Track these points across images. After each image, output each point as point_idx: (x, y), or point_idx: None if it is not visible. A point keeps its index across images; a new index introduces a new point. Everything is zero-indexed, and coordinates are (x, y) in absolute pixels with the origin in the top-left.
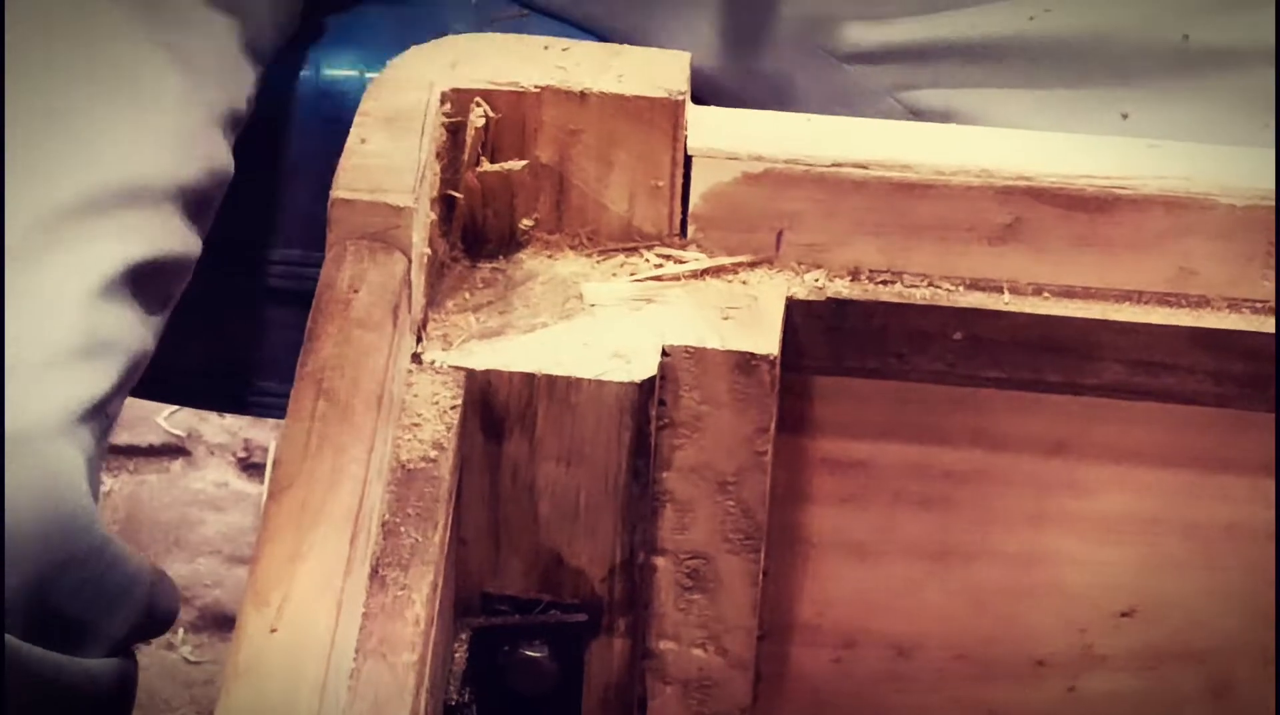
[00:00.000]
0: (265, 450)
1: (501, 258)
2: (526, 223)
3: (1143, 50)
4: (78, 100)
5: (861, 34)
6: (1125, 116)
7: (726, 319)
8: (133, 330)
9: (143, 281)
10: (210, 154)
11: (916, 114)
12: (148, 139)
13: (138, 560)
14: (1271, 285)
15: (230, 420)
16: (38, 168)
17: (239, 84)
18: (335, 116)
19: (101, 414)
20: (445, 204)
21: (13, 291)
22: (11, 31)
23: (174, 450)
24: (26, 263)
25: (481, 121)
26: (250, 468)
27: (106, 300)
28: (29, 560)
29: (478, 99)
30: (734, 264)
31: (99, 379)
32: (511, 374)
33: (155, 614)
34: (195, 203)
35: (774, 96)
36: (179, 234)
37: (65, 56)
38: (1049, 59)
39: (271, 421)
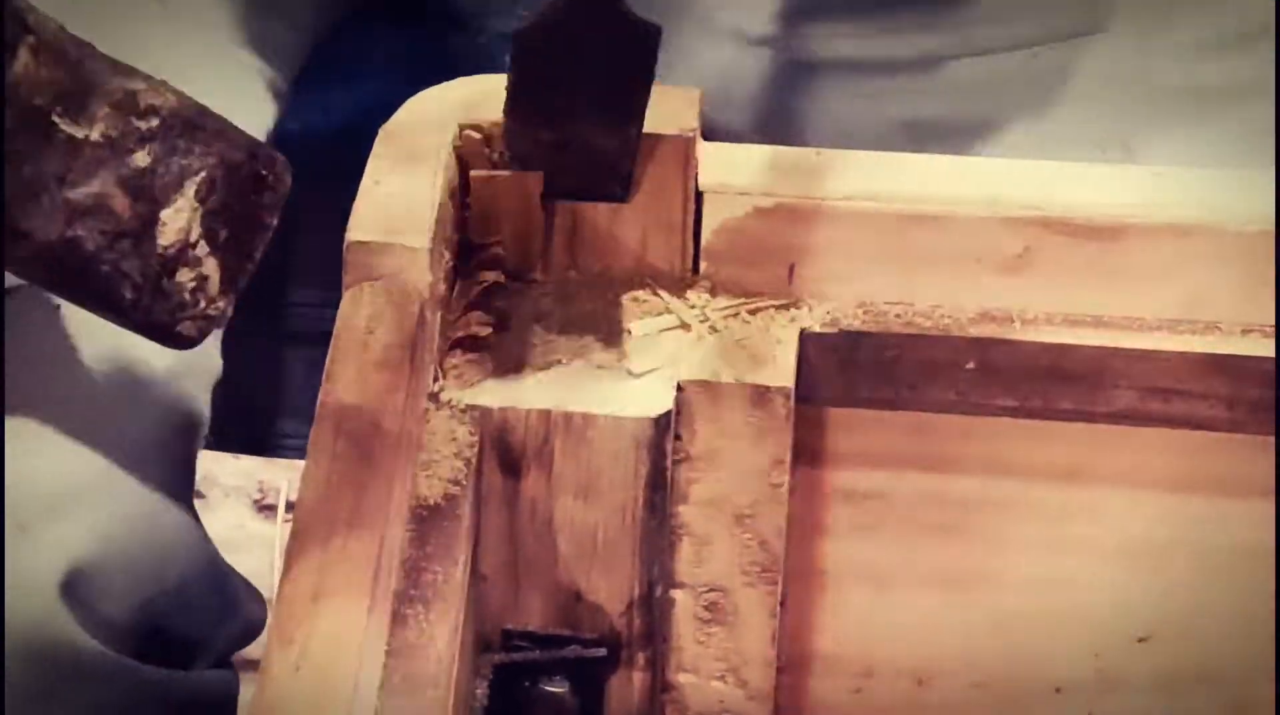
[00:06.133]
0: (280, 491)
1: (516, 296)
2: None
3: (1144, 84)
4: None
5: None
6: (1129, 150)
7: (740, 352)
8: (204, 352)
9: None
10: None
11: (919, 145)
12: None
13: (235, 574)
14: None
15: (245, 462)
16: None
17: (262, 122)
18: (348, 158)
19: (198, 434)
20: (460, 244)
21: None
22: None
23: None
24: None
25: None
26: (265, 509)
27: None
28: (145, 581)
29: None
30: (749, 308)
31: (190, 400)
32: (528, 411)
33: (252, 624)
34: None
35: (781, 126)
36: None
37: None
38: (1051, 91)
39: (284, 462)
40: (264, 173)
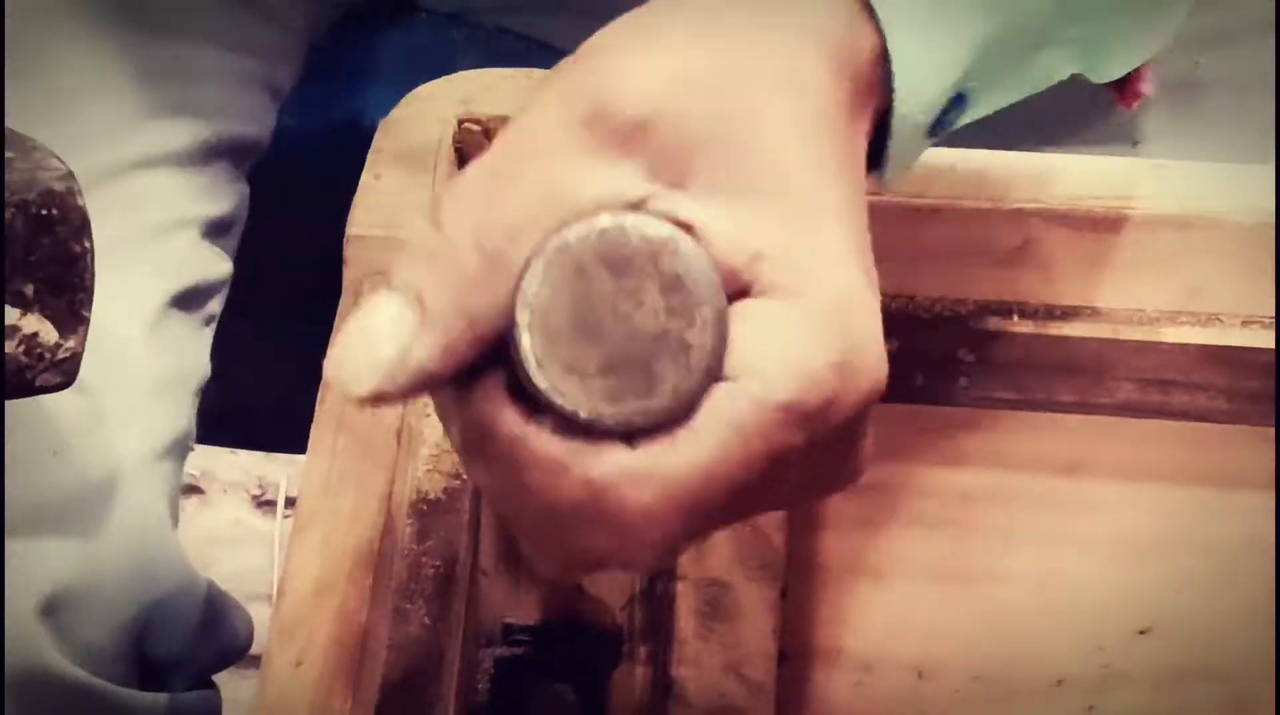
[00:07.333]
0: (279, 487)
1: None
2: None
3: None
4: (100, 139)
5: None
6: (1135, 144)
7: None
8: (191, 357)
9: (188, 308)
10: (232, 186)
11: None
12: (174, 178)
13: (218, 591)
14: None
15: (244, 457)
16: None
17: (258, 121)
18: (348, 153)
19: (182, 446)
20: None
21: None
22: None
23: (188, 489)
24: None
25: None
26: (264, 505)
27: (161, 333)
28: (123, 603)
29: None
30: None
31: (175, 412)
32: None
33: (235, 641)
34: (221, 228)
35: None
36: (209, 259)
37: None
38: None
39: (283, 457)
40: (45, 212)
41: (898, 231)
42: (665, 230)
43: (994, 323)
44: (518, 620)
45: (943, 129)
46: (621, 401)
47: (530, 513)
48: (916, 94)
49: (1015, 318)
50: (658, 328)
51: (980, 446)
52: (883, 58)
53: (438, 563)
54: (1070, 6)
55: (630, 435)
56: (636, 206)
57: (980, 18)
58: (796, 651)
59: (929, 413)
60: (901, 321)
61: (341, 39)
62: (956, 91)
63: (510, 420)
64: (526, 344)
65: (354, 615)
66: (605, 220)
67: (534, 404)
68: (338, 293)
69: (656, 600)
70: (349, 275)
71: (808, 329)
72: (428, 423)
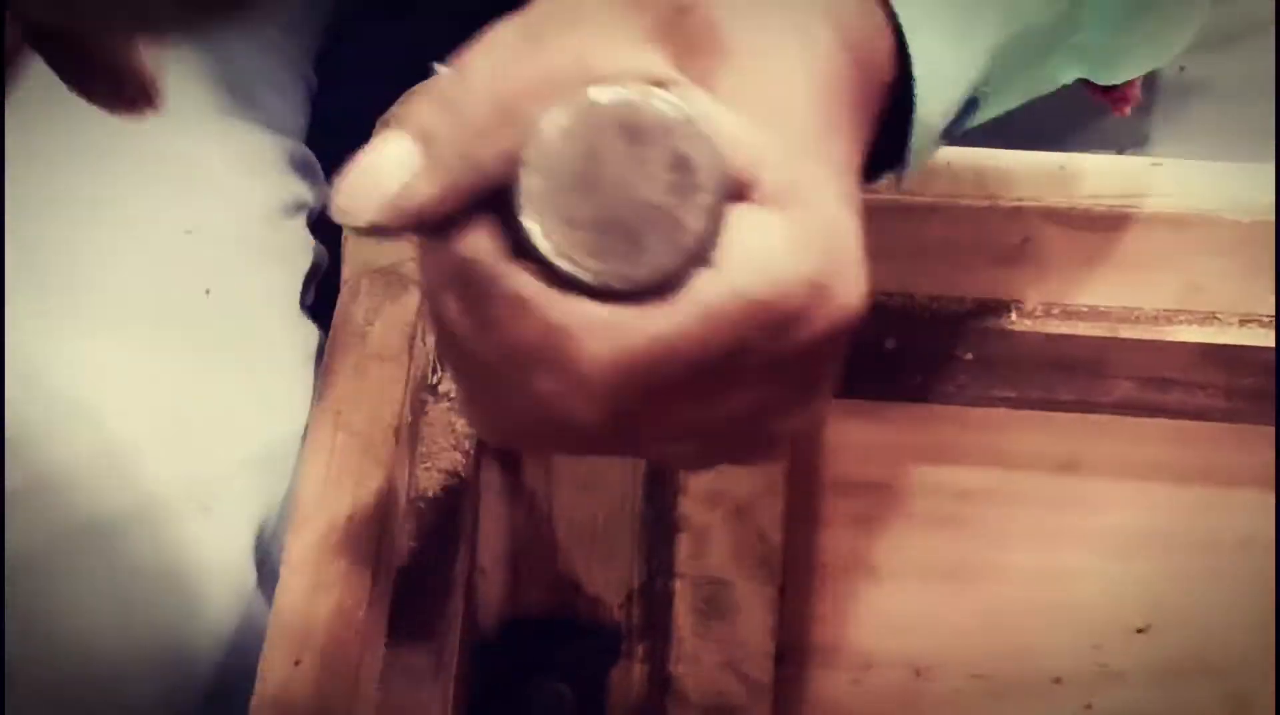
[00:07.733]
0: None
1: None
2: None
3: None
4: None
5: None
6: (1120, 151)
7: None
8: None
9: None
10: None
11: None
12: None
13: None
14: None
15: None
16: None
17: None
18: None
19: None
20: None
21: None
22: None
23: None
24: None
25: None
26: None
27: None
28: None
29: None
30: None
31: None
32: None
33: None
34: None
35: None
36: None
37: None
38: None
39: None
40: None
41: (896, 229)
42: (686, 111)
43: (992, 321)
44: (516, 617)
45: (956, 131)
46: (603, 260)
47: (485, 354)
48: (936, 97)
49: (1013, 316)
50: (656, 201)
51: (978, 444)
52: (897, 59)
53: (436, 560)
54: (1082, 14)
55: (604, 297)
56: (661, 85)
57: (997, 24)
58: (794, 649)
59: (927, 411)
60: (900, 319)
61: (338, 38)
62: (971, 95)
63: (490, 255)
64: (526, 183)
65: (352, 613)
66: (632, 87)
67: (521, 249)
68: (335, 291)
69: (655, 598)
70: (347, 273)
71: (791, 241)
72: (425, 421)
